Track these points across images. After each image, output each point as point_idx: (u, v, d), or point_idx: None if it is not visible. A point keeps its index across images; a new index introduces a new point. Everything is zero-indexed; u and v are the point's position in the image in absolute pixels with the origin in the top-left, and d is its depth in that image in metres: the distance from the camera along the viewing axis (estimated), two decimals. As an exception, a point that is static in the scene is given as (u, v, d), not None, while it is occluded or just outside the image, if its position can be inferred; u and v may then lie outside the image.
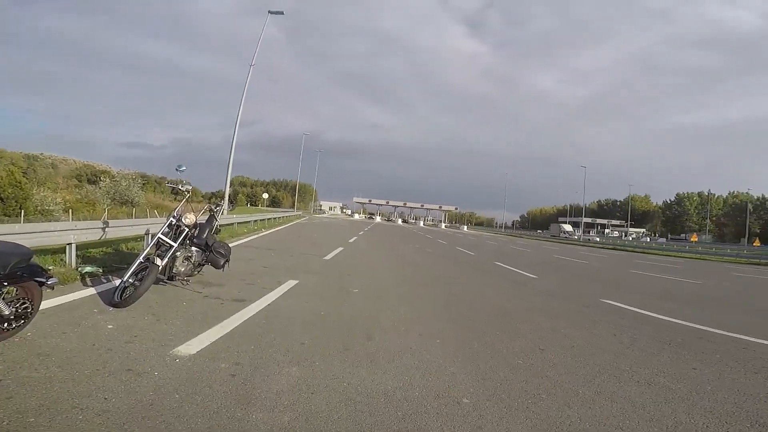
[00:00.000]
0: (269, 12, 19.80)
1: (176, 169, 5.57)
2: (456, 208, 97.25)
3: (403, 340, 3.94)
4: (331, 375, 2.92)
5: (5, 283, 2.76)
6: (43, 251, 6.34)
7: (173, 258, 4.90)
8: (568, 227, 70.37)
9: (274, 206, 76.22)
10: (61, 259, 5.93)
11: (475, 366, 3.38)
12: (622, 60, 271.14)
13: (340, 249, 12.71)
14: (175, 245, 4.80)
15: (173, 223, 4.97)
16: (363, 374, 2.99)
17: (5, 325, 2.81)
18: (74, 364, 2.68)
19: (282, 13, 20.39)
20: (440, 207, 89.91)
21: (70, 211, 26.18)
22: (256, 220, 18.16)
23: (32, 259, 3.05)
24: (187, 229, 4.99)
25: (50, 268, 5.51)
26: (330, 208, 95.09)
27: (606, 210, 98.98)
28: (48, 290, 3.42)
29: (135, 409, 2.19)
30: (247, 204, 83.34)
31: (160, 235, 4.85)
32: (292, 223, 26.54)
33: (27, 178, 30.99)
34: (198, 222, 5.26)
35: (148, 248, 4.78)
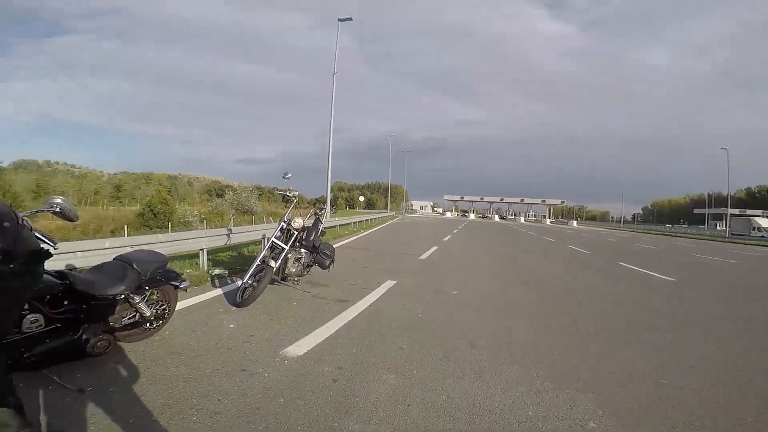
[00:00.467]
0: (339, 20, 20.12)
1: (283, 177, 6.01)
2: (562, 202, 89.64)
3: (511, 350, 3.62)
4: (430, 385, 2.79)
5: (147, 288, 3.18)
6: (182, 257, 7.43)
7: (285, 260, 5.28)
8: (764, 221, 50.82)
9: (369, 208, 79.39)
10: (196, 263, 6.83)
11: (605, 386, 2.93)
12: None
13: (435, 248, 12.52)
14: (287, 248, 5.17)
15: (284, 227, 5.37)
16: (465, 386, 2.80)
17: (148, 325, 3.26)
18: (198, 363, 2.97)
19: (350, 19, 20.44)
20: (543, 201, 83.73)
21: (204, 221, 30.67)
22: (355, 222, 18.98)
23: (168, 265, 3.49)
24: (296, 233, 5.34)
25: (187, 271, 6.47)
26: (421, 207, 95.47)
27: (760, 198, 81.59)
28: (182, 292, 3.94)
29: (243, 412, 2.31)
30: (346, 207, 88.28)
31: (273, 238, 5.26)
32: (387, 224, 27.15)
33: (171, 196, 37.26)
34: (305, 225, 5.61)
35: (264, 251, 5.22)
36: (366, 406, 2.46)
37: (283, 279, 5.38)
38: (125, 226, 24.89)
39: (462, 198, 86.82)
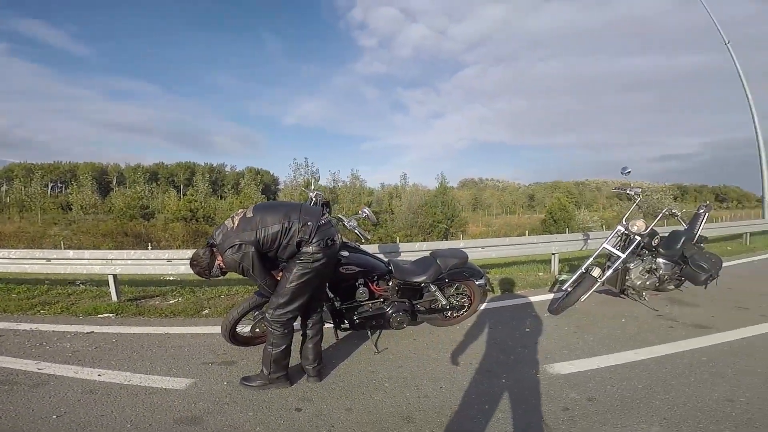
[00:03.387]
0: None
1: (621, 173, 5.06)
2: None
3: None
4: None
5: (447, 280, 3.70)
6: (537, 261, 7.75)
7: (625, 270, 4.45)
8: None
9: None
10: (545, 268, 6.96)
11: None
12: None
13: None
14: (623, 255, 4.35)
15: (621, 231, 4.55)
16: None
17: (450, 313, 3.78)
18: (464, 356, 3.20)
19: None
20: None
21: (603, 226, 29.22)
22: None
23: (468, 263, 3.87)
24: (638, 239, 4.39)
25: (539, 274, 6.72)
26: None
27: None
28: (489, 291, 4.30)
29: (437, 416, 2.34)
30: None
31: (605, 245, 4.58)
32: None
33: (572, 203, 38.13)
34: (652, 229, 4.48)
35: (591, 259, 4.64)
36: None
37: (622, 291, 4.52)
38: (526, 232, 28.34)
39: None
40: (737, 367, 2.76)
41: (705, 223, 4.84)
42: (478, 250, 6.40)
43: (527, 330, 3.78)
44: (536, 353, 3.21)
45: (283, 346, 2.66)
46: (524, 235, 26.41)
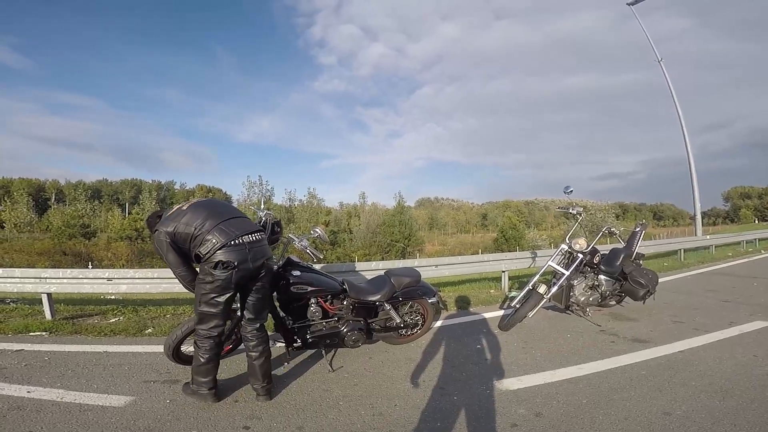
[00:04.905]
0: (627, 4, 15.60)
1: (564, 192, 5.29)
2: None
3: None
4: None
5: (400, 299, 3.69)
6: (489, 278, 7.89)
7: (570, 286, 4.58)
8: None
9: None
10: (496, 285, 7.08)
11: None
12: None
13: None
14: (567, 273, 4.47)
15: (565, 249, 4.69)
16: None
17: (405, 331, 3.77)
18: (417, 373, 3.17)
19: None
20: None
21: (552, 244, 30.70)
22: (750, 240, 13.14)
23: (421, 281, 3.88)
24: (581, 256, 4.53)
25: (491, 291, 6.82)
26: None
27: None
28: (442, 308, 4.29)
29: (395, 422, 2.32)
30: (754, 220, 62.05)
31: (550, 262, 4.71)
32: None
33: (522, 222, 39.89)
34: (594, 248, 4.66)
35: (537, 276, 4.75)
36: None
37: (567, 307, 4.63)
38: (479, 250, 29.29)
39: None
40: (674, 380, 2.87)
41: (641, 240, 5.13)
42: (432, 269, 6.42)
43: (478, 347, 3.78)
44: (487, 370, 3.21)
45: (203, 362, 2.57)
46: (477, 253, 27.16)
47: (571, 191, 5.28)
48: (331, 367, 3.27)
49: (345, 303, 3.41)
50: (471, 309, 5.42)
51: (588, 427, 2.25)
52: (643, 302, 4.72)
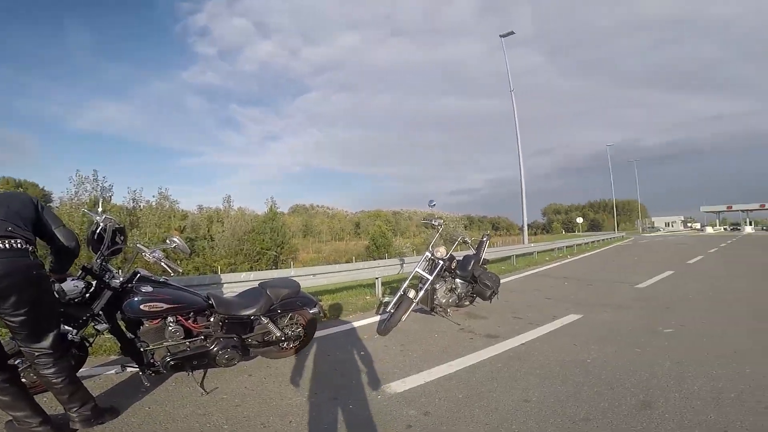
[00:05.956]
0: (500, 36, 19.02)
1: (428, 205, 5.91)
2: None
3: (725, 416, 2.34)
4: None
5: (279, 311, 3.57)
6: (364, 285, 8.20)
7: (433, 290, 5.06)
8: None
9: (593, 230, 68.64)
10: (371, 291, 7.40)
11: None
12: None
13: (668, 273, 9.49)
14: (431, 278, 4.95)
15: (428, 257, 5.19)
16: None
17: (285, 344, 3.64)
18: (304, 384, 3.14)
19: (513, 33, 19.12)
20: None
21: (414, 251, 33.53)
22: (560, 247, 16.68)
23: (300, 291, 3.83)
24: (442, 262, 5.07)
25: (367, 297, 7.07)
26: (667, 224, 75.23)
27: None
28: (323, 318, 4.30)
29: None
30: (562, 231, 79.40)
31: (417, 269, 5.15)
32: (609, 247, 22.56)
33: (390, 230, 42.59)
34: (452, 254, 5.28)
35: (407, 282, 5.16)
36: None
37: (432, 309, 5.13)
38: (353, 258, 30.28)
39: (729, 207, 63.50)
40: (524, 370, 3.35)
41: (487, 248, 6.04)
42: (309, 278, 6.38)
43: (362, 353, 3.92)
44: (374, 375, 3.33)
45: None
46: (351, 260, 27.83)
47: (434, 204, 5.98)
48: (204, 389, 2.99)
49: (213, 319, 3.14)
50: (350, 316, 5.55)
51: (469, 421, 2.51)
52: (490, 301, 5.57)
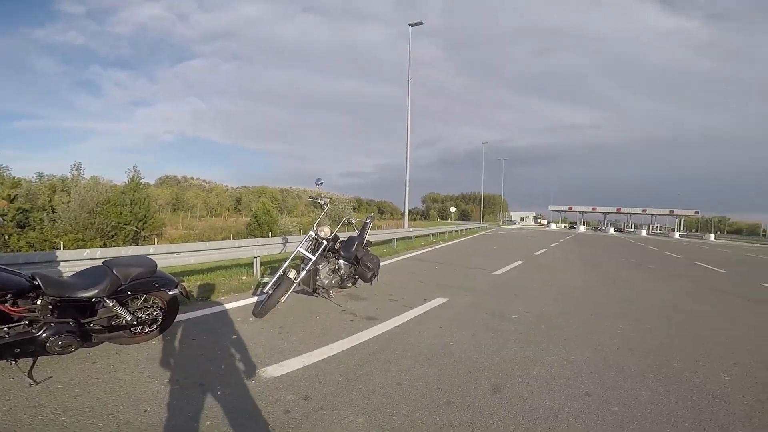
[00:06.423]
0: (409, 25, 19.87)
1: (315, 183, 5.79)
2: (696, 212, 75.18)
3: (556, 402, 2.73)
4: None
5: (129, 293, 3.12)
6: (241, 264, 7.72)
7: (315, 271, 4.97)
8: None
9: (463, 219, 76.92)
10: (248, 271, 6.99)
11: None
12: None
13: (519, 263, 11.15)
14: (314, 258, 4.85)
15: (312, 236, 5.08)
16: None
17: (139, 329, 3.22)
18: (165, 372, 2.84)
19: (422, 23, 20.09)
20: (671, 211, 71.25)
21: (301, 230, 32.92)
22: (434, 233, 18.24)
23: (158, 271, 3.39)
24: (325, 242, 5.00)
25: (243, 278, 6.64)
26: (522, 219, 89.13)
27: None
28: (186, 299, 3.91)
29: (155, 427, 2.17)
30: (438, 219, 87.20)
31: (299, 248, 5.01)
32: (475, 236, 25.61)
33: (276, 208, 40.92)
34: (336, 235, 5.26)
35: (288, 261, 5.00)
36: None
37: (314, 291, 5.07)
38: (231, 235, 28.26)
39: (570, 208, 78.35)
40: (398, 353, 3.48)
41: (370, 230, 6.19)
42: (173, 257, 5.73)
43: (234, 337, 3.68)
44: (248, 359, 3.16)
45: None
46: (229, 238, 25.92)
47: (322, 183, 5.88)
48: (33, 379, 2.58)
49: (40, 302, 2.68)
50: (222, 298, 5.17)
51: (348, 404, 2.54)
52: (371, 283, 5.75)
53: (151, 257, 5.36)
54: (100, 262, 3.29)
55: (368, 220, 6.17)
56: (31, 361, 2.74)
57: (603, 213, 76.51)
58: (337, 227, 5.46)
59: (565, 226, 74.66)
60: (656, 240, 38.83)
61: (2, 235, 19.92)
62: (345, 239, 5.67)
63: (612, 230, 65.16)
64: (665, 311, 5.90)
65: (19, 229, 22.31)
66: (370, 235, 6.40)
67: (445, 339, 3.98)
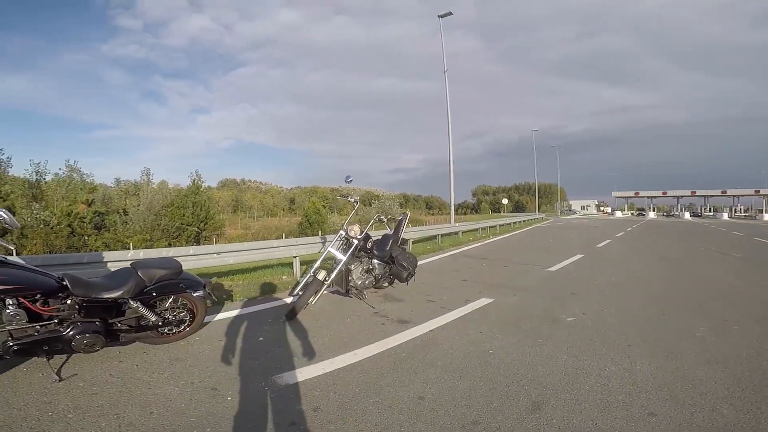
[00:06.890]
0: (438, 16, 19.17)
1: (345, 181, 5.62)
2: (789, 190, 65.63)
3: (609, 423, 2.29)
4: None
5: (154, 294, 3.21)
6: (285, 264, 7.79)
7: (348, 271, 4.80)
8: None
9: (517, 211, 73.77)
10: (289, 271, 7.02)
11: None
12: None
13: (579, 257, 10.22)
14: (344, 258, 4.69)
15: (343, 236, 4.92)
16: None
17: (167, 329, 3.31)
18: (183, 374, 2.87)
19: (451, 13, 19.25)
20: (757, 191, 62.92)
21: (349, 228, 33.32)
22: (484, 227, 17.48)
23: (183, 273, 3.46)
24: (356, 242, 4.82)
25: (284, 277, 6.68)
26: (582, 208, 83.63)
27: None
28: (213, 301, 3.94)
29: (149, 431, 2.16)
30: (490, 212, 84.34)
31: (330, 248, 4.88)
32: (529, 228, 24.29)
33: (327, 207, 41.81)
34: (367, 234, 5.05)
35: (318, 262, 4.87)
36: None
37: (347, 291, 4.90)
38: (283, 234, 29.28)
39: (637, 194, 72.18)
40: (425, 361, 3.17)
41: (405, 227, 5.90)
42: (213, 257, 5.84)
43: (261, 339, 3.63)
44: (267, 364, 3.07)
45: None
46: (282, 237, 26.86)
47: (351, 180, 5.70)
48: (59, 375, 2.72)
49: (69, 302, 2.81)
50: (258, 298, 5.19)
51: (359, 418, 2.33)
52: (407, 283, 5.48)
53: (192, 258, 5.59)
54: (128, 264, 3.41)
55: (401, 217, 5.90)
56: (64, 359, 2.94)
57: (675, 197, 69.56)
58: (367, 226, 5.25)
59: (632, 213, 68.91)
60: (741, 224, 34.41)
61: (82, 236, 22.33)
62: (379, 238, 5.46)
63: (687, 215, 58.80)
64: (755, 312, 4.98)
65: (96, 231, 24.78)
66: (410, 232, 6.12)
67: (484, 346, 3.58)
